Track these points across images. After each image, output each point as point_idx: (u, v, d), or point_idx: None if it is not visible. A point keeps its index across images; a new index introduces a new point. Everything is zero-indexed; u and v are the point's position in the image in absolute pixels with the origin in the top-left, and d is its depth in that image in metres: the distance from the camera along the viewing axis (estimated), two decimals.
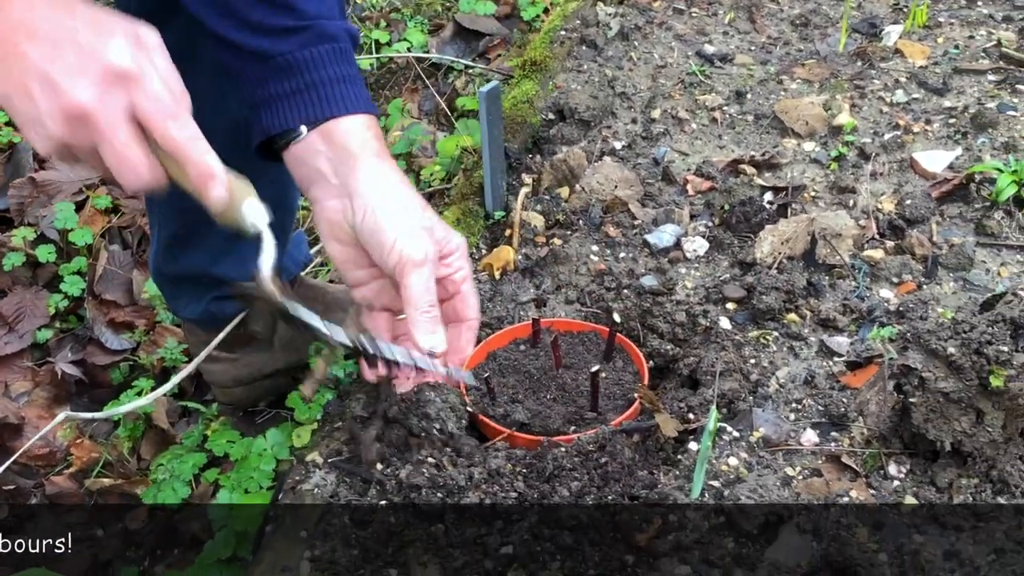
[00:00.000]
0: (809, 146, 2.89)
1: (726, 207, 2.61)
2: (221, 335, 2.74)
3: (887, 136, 2.87)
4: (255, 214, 1.74)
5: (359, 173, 1.87)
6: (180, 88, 1.61)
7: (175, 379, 2.76)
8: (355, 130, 1.90)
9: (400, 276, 1.83)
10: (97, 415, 2.76)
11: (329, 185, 1.90)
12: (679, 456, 1.96)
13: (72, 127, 1.51)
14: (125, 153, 1.54)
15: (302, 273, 2.91)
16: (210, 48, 1.97)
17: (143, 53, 1.56)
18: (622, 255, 2.54)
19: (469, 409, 2.04)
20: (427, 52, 4.15)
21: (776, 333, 2.25)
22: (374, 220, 1.85)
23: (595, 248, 2.56)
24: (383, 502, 1.87)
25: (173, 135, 1.58)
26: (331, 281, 3.29)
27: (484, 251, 2.62)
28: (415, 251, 1.83)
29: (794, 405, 2.07)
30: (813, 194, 2.68)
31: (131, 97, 1.54)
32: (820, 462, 1.94)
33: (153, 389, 2.88)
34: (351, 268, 1.99)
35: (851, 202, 2.63)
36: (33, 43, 1.50)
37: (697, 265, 2.50)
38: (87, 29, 1.53)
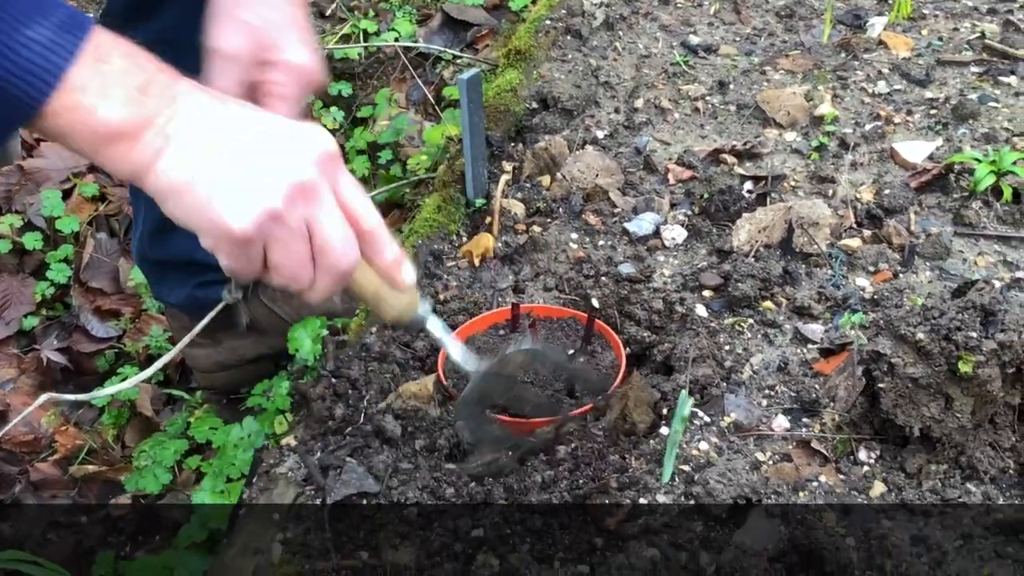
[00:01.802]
0: (790, 136, 2.90)
1: (706, 196, 2.62)
2: (205, 320, 2.75)
3: (868, 127, 2.88)
4: (426, 308, 1.77)
5: None
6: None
7: (158, 364, 2.76)
8: None
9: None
10: (79, 397, 2.77)
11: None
12: (650, 440, 1.97)
13: (294, 201, 1.47)
14: (343, 229, 1.53)
15: None
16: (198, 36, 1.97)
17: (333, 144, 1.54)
18: (601, 243, 2.55)
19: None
20: (415, 42, 4.16)
21: (751, 320, 2.26)
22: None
23: (574, 236, 2.57)
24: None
25: (373, 214, 1.58)
26: None
27: (464, 238, 2.63)
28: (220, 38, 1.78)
29: (767, 391, 2.08)
30: (793, 184, 2.69)
31: (340, 179, 1.54)
32: (790, 447, 1.95)
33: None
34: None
35: (830, 191, 2.64)
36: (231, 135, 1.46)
37: (675, 253, 2.51)
38: (276, 121, 1.51)
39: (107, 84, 1.37)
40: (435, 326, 1.81)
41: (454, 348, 1.87)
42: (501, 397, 1.97)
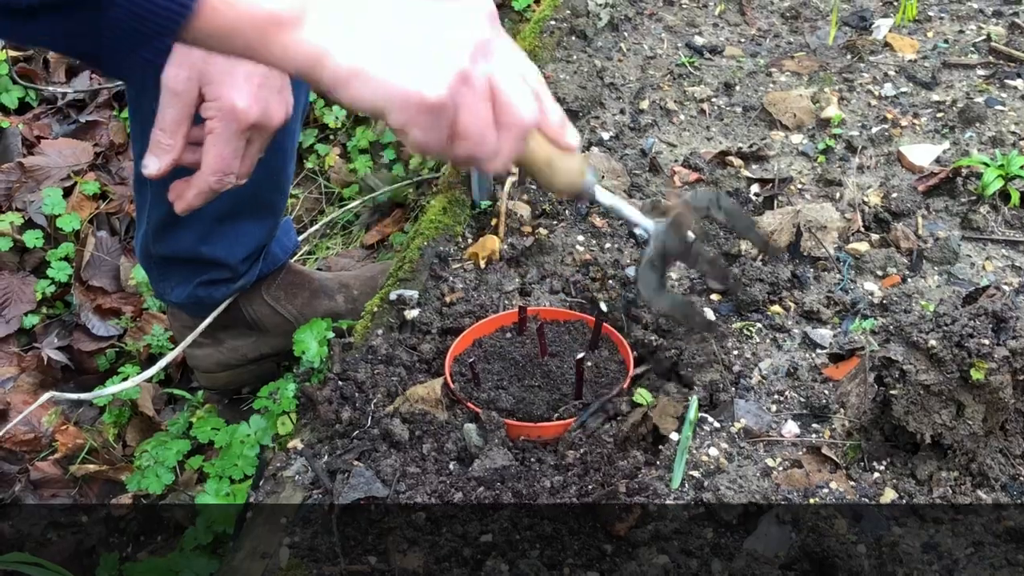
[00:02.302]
0: (797, 138, 2.89)
1: None
2: (208, 319, 2.74)
3: (875, 129, 2.87)
4: (594, 182, 1.73)
5: None
6: None
7: (160, 363, 2.76)
8: None
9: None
10: (82, 396, 2.76)
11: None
12: (660, 446, 1.96)
13: (481, 59, 1.45)
14: (489, 125, 1.48)
15: (290, 260, 2.91)
16: None
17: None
18: (607, 245, 2.54)
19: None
20: None
21: (759, 325, 2.26)
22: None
23: (581, 238, 2.56)
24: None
25: (537, 81, 1.55)
26: (319, 269, 3.29)
27: (470, 240, 2.62)
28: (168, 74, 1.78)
29: (776, 396, 2.07)
30: (800, 186, 2.68)
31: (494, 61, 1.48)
32: (800, 453, 1.94)
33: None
34: None
35: (837, 195, 2.63)
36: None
37: None
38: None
39: None
40: (603, 193, 1.76)
41: (630, 210, 1.81)
42: (679, 255, 1.90)
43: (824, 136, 2.87)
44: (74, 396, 2.79)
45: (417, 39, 1.39)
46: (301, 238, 3.35)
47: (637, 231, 1.76)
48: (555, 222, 2.61)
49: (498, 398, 2.07)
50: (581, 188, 1.69)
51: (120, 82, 4.04)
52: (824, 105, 2.97)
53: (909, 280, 2.36)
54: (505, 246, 2.54)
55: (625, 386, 2.09)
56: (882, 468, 1.90)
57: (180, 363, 3.11)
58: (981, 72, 3.12)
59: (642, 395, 2.04)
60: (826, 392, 2.04)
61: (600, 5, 3.53)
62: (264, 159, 2.57)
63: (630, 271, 2.41)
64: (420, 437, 2.00)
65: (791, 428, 1.99)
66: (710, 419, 2.02)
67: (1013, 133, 2.80)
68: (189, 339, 2.76)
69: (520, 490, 1.86)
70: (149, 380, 2.97)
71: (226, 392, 2.95)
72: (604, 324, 2.23)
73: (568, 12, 3.48)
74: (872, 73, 3.14)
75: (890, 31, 3.35)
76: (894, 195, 2.58)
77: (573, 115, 3.01)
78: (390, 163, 3.68)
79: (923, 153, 2.75)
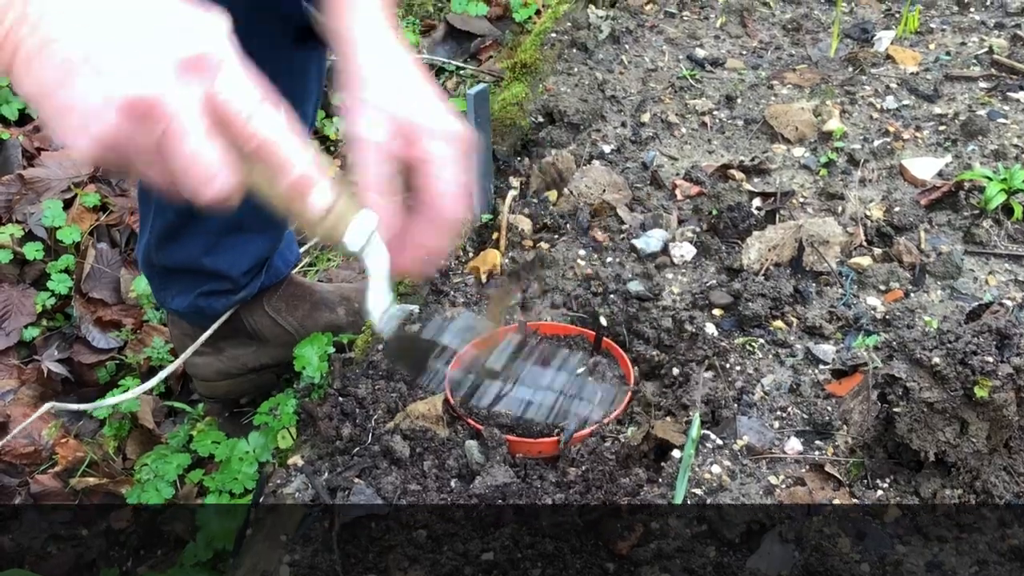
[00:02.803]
0: (798, 152, 2.88)
1: (714, 212, 2.60)
2: (208, 331, 2.74)
3: (877, 143, 2.87)
4: (360, 232, 1.44)
5: (357, 18, 1.67)
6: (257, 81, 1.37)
7: (160, 375, 2.75)
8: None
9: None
10: (82, 407, 2.75)
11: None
12: (662, 463, 1.95)
13: (131, 121, 1.25)
14: (199, 153, 1.28)
15: (292, 272, 2.91)
16: None
17: (218, 37, 1.33)
18: (609, 260, 2.53)
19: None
20: (419, 53, 4.14)
21: (762, 340, 2.25)
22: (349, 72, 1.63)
23: (582, 252, 2.55)
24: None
25: (263, 130, 1.33)
26: (320, 281, 3.28)
27: (471, 254, 2.62)
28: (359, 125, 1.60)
29: (779, 413, 2.06)
30: (802, 200, 2.67)
31: (209, 87, 1.29)
32: (804, 471, 1.93)
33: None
34: None
35: (839, 209, 2.62)
36: (79, 25, 1.26)
37: (684, 271, 2.50)
38: (146, 6, 1.30)
39: None
40: (373, 260, 1.49)
41: (375, 295, 1.54)
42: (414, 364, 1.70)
43: (826, 149, 2.86)
44: (73, 407, 2.78)
45: (71, 86, 1.24)
46: (302, 250, 3.34)
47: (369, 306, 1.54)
48: (556, 236, 2.61)
49: (498, 414, 2.06)
50: (343, 249, 1.45)
51: None
52: (826, 118, 2.96)
53: (912, 295, 2.35)
54: (506, 260, 2.54)
55: (626, 401, 2.08)
56: (885, 486, 1.89)
57: (180, 375, 3.10)
58: (983, 85, 3.12)
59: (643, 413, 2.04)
60: (829, 408, 2.03)
61: (601, 17, 3.52)
62: None
63: (632, 286, 2.40)
64: (421, 454, 1.99)
65: (794, 445, 1.98)
66: (712, 436, 2.01)
67: (1015, 146, 2.79)
68: (188, 352, 2.75)
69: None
70: (150, 392, 2.96)
71: (225, 401, 2.94)
72: (605, 339, 2.22)
73: (569, 24, 3.48)
74: (874, 86, 3.14)
75: (892, 43, 3.35)
76: (896, 209, 2.58)
77: (575, 128, 3.01)
78: None
79: (925, 166, 2.75)
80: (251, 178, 1.35)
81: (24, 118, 4.06)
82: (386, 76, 1.63)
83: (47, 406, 2.57)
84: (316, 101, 2.59)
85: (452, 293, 2.45)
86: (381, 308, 1.54)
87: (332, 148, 3.92)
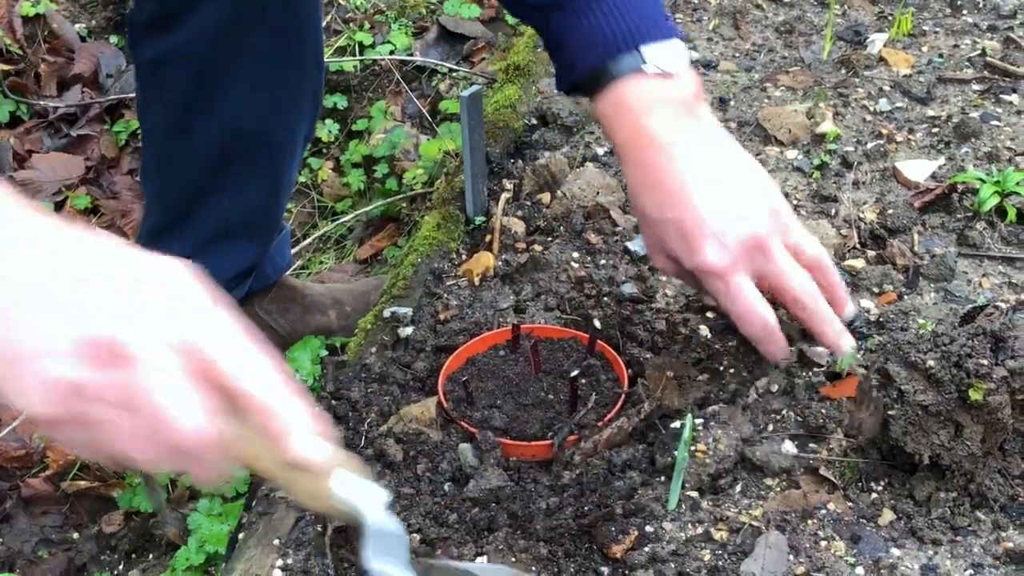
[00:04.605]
0: (792, 154, 2.88)
1: None
2: None
3: (870, 145, 2.86)
4: (350, 489, 1.35)
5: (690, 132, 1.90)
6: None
7: None
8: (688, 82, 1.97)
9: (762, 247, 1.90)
10: None
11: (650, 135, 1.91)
12: (656, 466, 1.95)
13: (98, 364, 1.14)
14: (174, 396, 1.16)
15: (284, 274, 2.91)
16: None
17: (188, 282, 1.24)
18: (603, 262, 2.52)
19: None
20: (411, 55, 4.14)
21: None
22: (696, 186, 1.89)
23: (575, 255, 2.55)
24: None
25: (254, 387, 1.24)
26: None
27: (464, 257, 2.61)
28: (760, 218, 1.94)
29: (773, 415, 2.05)
30: (795, 202, 2.66)
31: (183, 334, 1.19)
32: (798, 474, 1.93)
33: None
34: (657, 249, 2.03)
35: (833, 211, 2.62)
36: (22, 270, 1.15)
37: None
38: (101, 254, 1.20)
39: None
40: (378, 527, 1.39)
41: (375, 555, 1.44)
42: None
43: (819, 152, 2.86)
44: None
45: (25, 335, 1.12)
46: (293, 252, 3.34)
47: None
48: (549, 239, 2.60)
49: (491, 417, 2.05)
50: (335, 510, 1.36)
51: (112, 96, 4.03)
52: (819, 120, 2.96)
53: (906, 297, 2.35)
54: (499, 263, 2.53)
55: (619, 404, 2.08)
56: (880, 489, 1.88)
57: None
58: (976, 87, 3.12)
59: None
60: (823, 411, 2.03)
61: None
62: (266, 183, 2.58)
63: (625, 288, 2.40)
64: (414, 457, 1.98)
65: (788, 448, 1.98)
66: (707, 438, 2.00)
67: (1009, 149, 2.79)
68: None
69: (515, 511, 1.85)
70: None
71: None
72: (599, 341, 2.22)
73: None
74: (867, 88, 3.13)
75: (885, 46, 3.35)
76: (890, 211, 2.57)
77: (568, 130, 3.00)
78: (383, 177, 3.67)
79: (918, 169, 2.75)
80: (234, 430, 1.24)
81: (15, 120, 4.05)
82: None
83: None
84: (307, 134, 2.60)
85: (445, 296, 2.44)
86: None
87: (324, 151, 3.92)
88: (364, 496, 1.36)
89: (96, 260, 1.19)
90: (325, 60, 3.73)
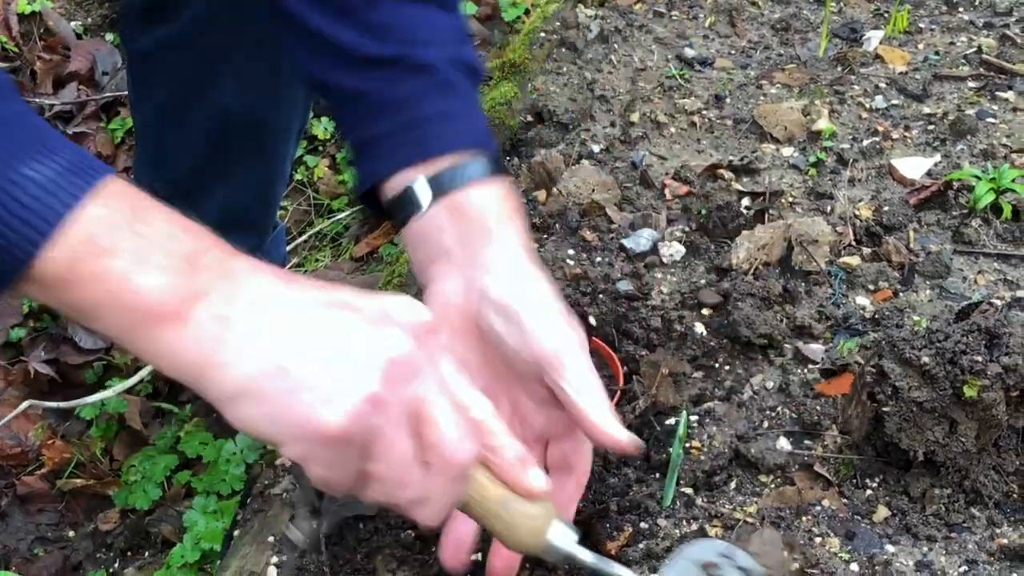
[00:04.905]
0: (787, 151, 2.88)
1: (703, 212, 2.60)
2: None
3: (866, 142, 2.86)
4: (566, 538, 1.39)
5: (492, 252, 1.56)
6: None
7: (142, 372, 2.75)
8: (489, 204, 1.60)
9: (555, 359, 1.47)
10: (61, 404, 2.74)
11: (449, 263, 1.59)
12: (650, 463, 1.95)
13: (395, 386, 1.19)
14: (448, 429, 1.23)
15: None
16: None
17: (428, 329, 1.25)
18: (598, 259, 2.52)
19: None
20: None
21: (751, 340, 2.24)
22: (511, 298, 1.52)
23: (571, 252, 2.55)
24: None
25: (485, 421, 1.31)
26: None
27: None
28: (570, 332, 1.51)
29: (768, 412, 2.06)
30: (791, 200, 2.67)
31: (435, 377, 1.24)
32: (793, 470, 1.93)
33: (127, 390, 2.87)
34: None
35: (828, 208, 2.62)
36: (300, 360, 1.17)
37: (673, 270, 2.49)
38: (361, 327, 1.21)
39: (143, 248, 1.11)
40: (584, 552, 1.42)
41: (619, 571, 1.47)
42: None
43: (815, 149, 2.86)
44: (51, 404, 2.78)
45: (324, 356, 1.17)
46: (289, 249, 3.34)
47: None
48: (545, 236, 2.60)
49: None
50: (545, 546, 1.39)
51: (108, 93, 4.03)
52: (815, 118, 2.96)
53: (901, 294, 2.35)
54: None
55: (614, 401, 2.07)
56: (875, 485, 1.89)
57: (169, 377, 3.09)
58: (972, 84, 3.12)
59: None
60: (818, 408, 2.03)
61: (590, 17, 3.52)
62: (260, 175, 2.57)
63: (621, 285, 2.40)
64: None
65: (783, 445, 1.98)
66: (701, 435, 2.00)
67: (1004, 146, 2.79)
68: None
69: None
70: (138, 394, 2.96)
71: None
72: (594, 338, 2.21)
73: (558, 24, 3.48)
74: (863, 85, 3.13)
75: (881, 43, 3.35)
76: (885, 208, 2.58)
77: (563, 128, 3.00)
78: None
79: (914, 166, 2.75)
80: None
81: None
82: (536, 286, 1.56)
83: (25, 404, 2.57)
84: (301, 128, 2.59)
85: None
86: None
87: (320, 148, 3.92)
88: (572, 540, 1.41)
89: (361, 303, 1.23)
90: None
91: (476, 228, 1.57)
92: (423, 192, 1.58)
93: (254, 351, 1.15)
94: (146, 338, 1.14)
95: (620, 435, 1.46)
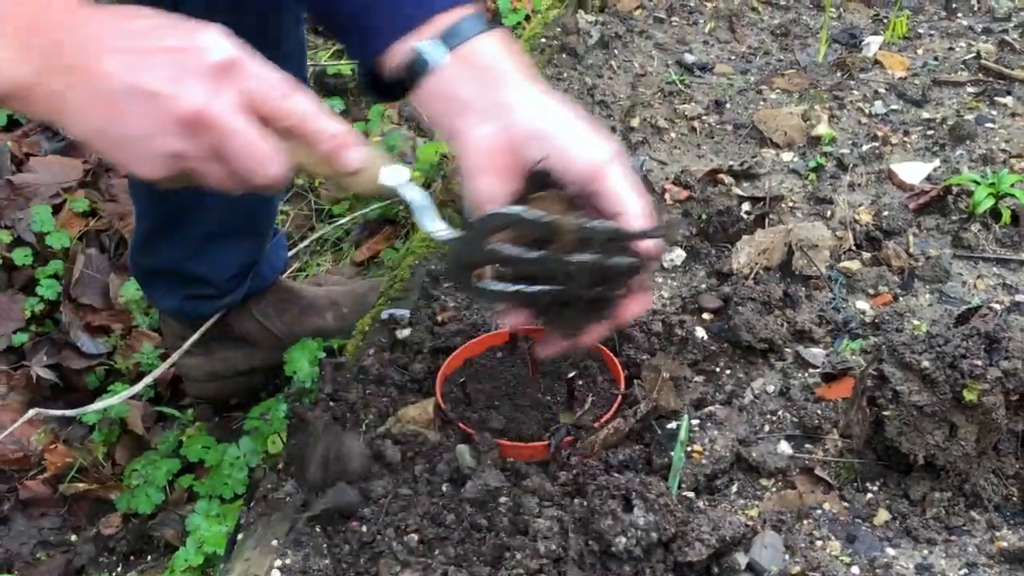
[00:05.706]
0: (787, 156, 2.89)
1: (704, 217, 2.61)
2: (195, 336, 2.74)
3: (865, 147, 2.88)
4: (395, 177, 1.60)
5: (512, 91, 1.68)
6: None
7: (147, 379, 2.75)
8: (496, 51, 1.70)
9: (597, 170, 1.62)
10: (67, 412, 2.75)
11: (474, 112, 1.68)
12: (652, 466, 1.96)
13: (189, 135, 1.40)
14: (254, 146, 1.43)
15: (281, 276, 2.91)
16: None
17: (227, 41, 1.44)
18: None
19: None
20: None
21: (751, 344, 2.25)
22: (544, 126, 1.65)
23: None
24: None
25: (296, 108, 1.48)
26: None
27: None
28: (604, 144, 1.67)
29: (769, 416, 2.07)
30: (791, 204, 2.68)
31: (240, 86, 1.43)
32: (794, 474, 1.94)
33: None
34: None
35: (828, 213, 2.63)
36: (116, 58, 1.38)
37: (674, 275, 2.50)
38: (168, 31, 1.43)
39: None
40: (411, 193, 1.63)
41: (427, 220, 1.64)
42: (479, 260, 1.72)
43: (815, 154, 2.87)
44: (58, 412, 2.78)
45: (127, 118, 1.38)
46: (290, 254, 3.34)
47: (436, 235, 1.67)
48: None
49: (489, 418, 2.06)
50: (379, 189, 1.62)
51: None
52: (815, 123, 2.97)
53: (901, 299, 2.36)
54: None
55: (616, 405, 2.08)
56: (875, 489, 1.89)
57: (170, 381, 3.10)
58: (971, 89, 3.13)
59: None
60: (819, 412, 2.04)
61: (591, 23, 3.53)
62: None
63: None
64: (412, 458, 1.99)
65: (784, 448, 1.99)
66: (702, 439, 2.01)
67: (1003, 151, 2.80)
68: (175, 356, 2.76)
69: (512, 511, 1.85)
70: (140, 398, 2.96)
71: (215, 402, 2.94)
72: (595, 344, 2.22)
73: (559, 30, 3.49)
74: (862, 91, 3.15)
75: (880, 48, 3.36)
76: (885, 213, 2.59)
77: None
78: None
79: (914, 171, 2.76)
80: (294, 155, 1.51)
81: (13, 123, 4.05)
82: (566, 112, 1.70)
83: (32, 412, 2.57)
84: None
85: (442, 298, 2.45)
86: (439, 226, 1.64)
87: None
88: (401, 180, 1.62)
89: (173, 24, 1.44)
90: (323, 64, 3.74)
91: (491, 75, 1.68)
92: (435, 50, 1.68)
93: (79, 118, 1.39)
94: (10, 107, 1.45)
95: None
